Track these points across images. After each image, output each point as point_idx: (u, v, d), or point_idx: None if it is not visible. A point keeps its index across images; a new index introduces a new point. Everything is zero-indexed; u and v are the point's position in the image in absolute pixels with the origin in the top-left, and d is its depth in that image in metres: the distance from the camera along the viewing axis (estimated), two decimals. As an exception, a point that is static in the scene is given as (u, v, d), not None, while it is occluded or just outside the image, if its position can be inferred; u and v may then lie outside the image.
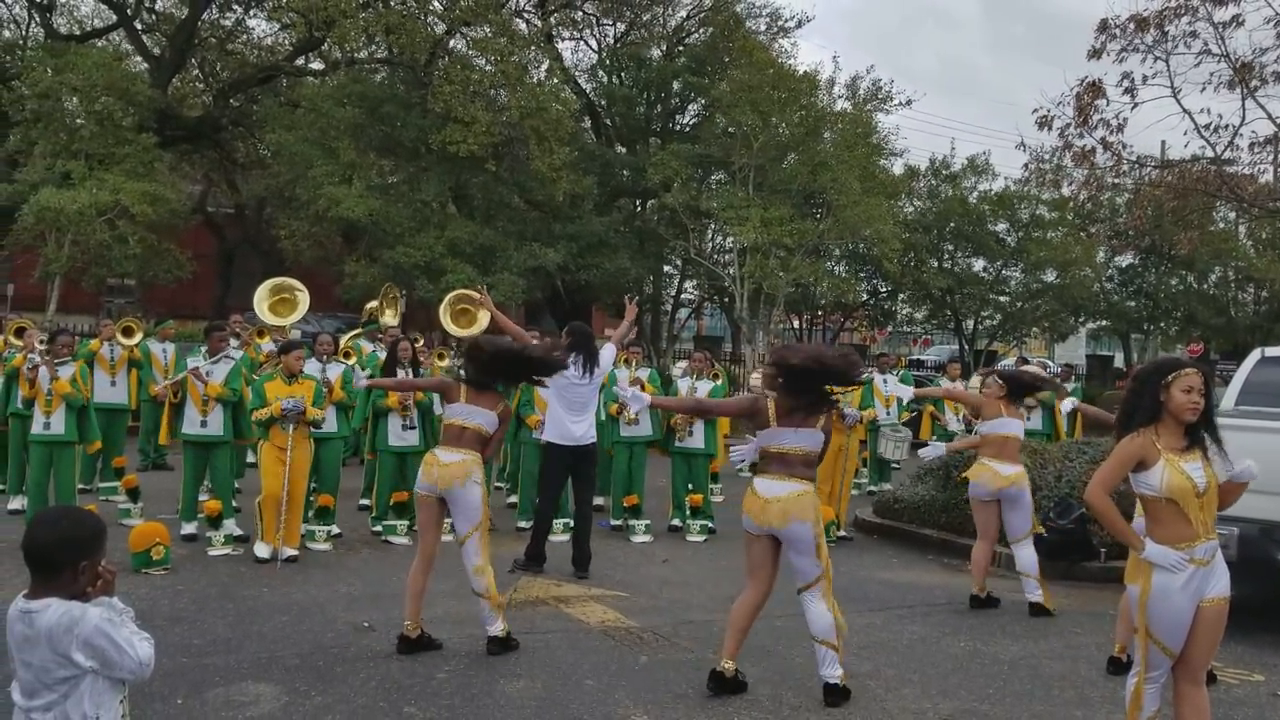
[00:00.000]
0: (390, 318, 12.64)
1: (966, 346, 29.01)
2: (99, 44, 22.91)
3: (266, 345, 11.02)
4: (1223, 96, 16.36)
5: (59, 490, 8.46)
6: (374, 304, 13.43)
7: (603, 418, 9.49)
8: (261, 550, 7.89)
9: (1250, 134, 16.55)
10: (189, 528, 8.50)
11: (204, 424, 8.47)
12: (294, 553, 7.93)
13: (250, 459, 10.73)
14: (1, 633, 2.88)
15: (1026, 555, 7.30)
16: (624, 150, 25.35)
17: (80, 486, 9.33)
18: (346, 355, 10.57)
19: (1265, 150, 16.98)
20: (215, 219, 26.12)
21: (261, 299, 10.73)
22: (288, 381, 8.09)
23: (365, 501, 9.83)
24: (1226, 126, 16.30)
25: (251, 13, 23.64)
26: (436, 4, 21.42)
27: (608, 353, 8.17)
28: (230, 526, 8.35)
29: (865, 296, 29.60)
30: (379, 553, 8.46)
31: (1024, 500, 7.30)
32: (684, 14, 26.19)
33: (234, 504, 8.72)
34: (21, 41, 22.86)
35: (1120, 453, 4.17)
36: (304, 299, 10.86)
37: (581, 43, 27.39)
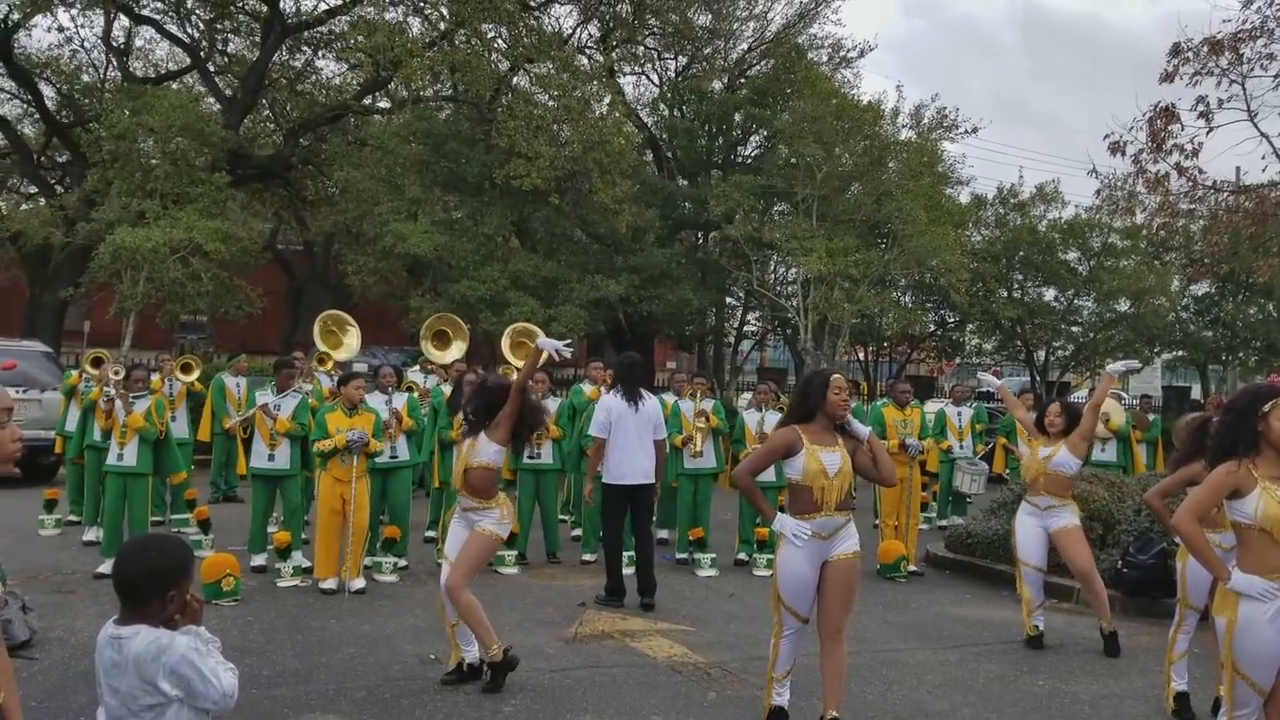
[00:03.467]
0: (455, 350, 12.59)
1: (1038, 378, 28.43)
2: (174, 86, 23.58)
3: (325, 379, 11.08)
4: (1301, 119, 15.92)
5: (132, 521, 8.57)
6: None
7: (668, 450, 9.42)
8: (329, 582, 7.91)
9: (1332, 156, 16.06)
10: (258, 559, 8.57)
11: (271, 457, 8.59)
12: (361, 585, 7.94)
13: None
14: (90, 657, 2.89)
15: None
16: (686, 183, 25.38)
17: (153, 519, 9.46)
18: (409, 389, 10.63)
19: (1347, 173, 16.48)
20: (285, 256, 26.61)
21: (318, 333, 10.84)
22: (349, 413, 8.13)
23: (431, 534, 9.84)
24: (1306, 149, 15.85)
25: (320, 54, 24.18)
26: (500, 42, 21.72)
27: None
28: (299, 558, 8.41)
29: (932, 327, 29.18)
30: (445, 585, 8.43)
31: None
32: (745, 46, 26.28)
33: (303, 536, 8.78)
34: (100, 85, 23.57)
35: (1215, 481, 4.05)
36: (353, 333, 10.85)
37: (643, 77, 27.62)
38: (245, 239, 19.23)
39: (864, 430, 5.02)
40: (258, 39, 22.74)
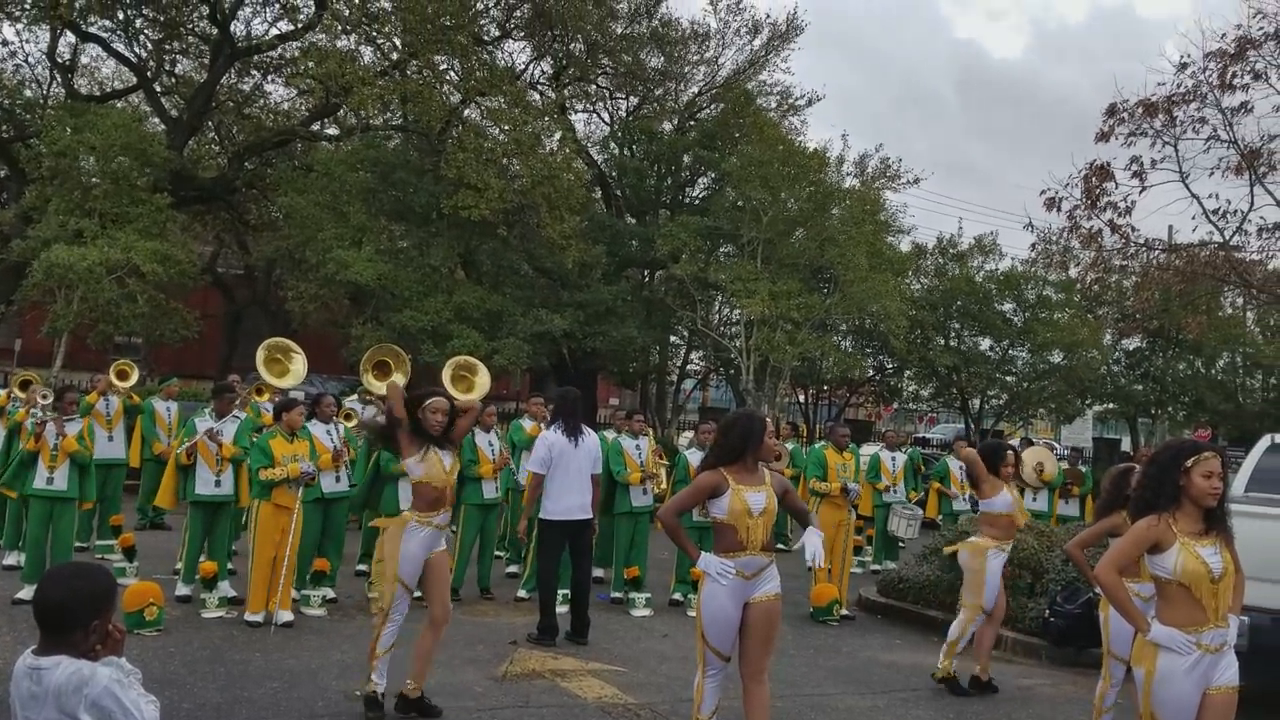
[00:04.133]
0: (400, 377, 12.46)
1: (972, 425, 28.87)
2: (119, 105, 23.27)
3: (265, 405, 10.95)
4: (1231, 182, 16.44)
5: (56, 547, 8.35)
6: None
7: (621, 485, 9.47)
8: (255, 614, 7.76)
9: (1259, 219, 16.58)
10: (184, 589, 8.38)
11: (218, 484, 8.46)
12: (289, 617, 7.80)
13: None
14: (3, 686, 2.81)
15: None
16: (633, 221, 25.57)
17: (76, 544, 9.23)
18: (347, 417, 10.54)
19: (1273, 236, 17.01)
20: (225, 279, 26.27)
21: (261, 360, 10.71)
22: (289, 439, 8.04)
23: (363, 567, 9.70)
24: (1235, 212, 16.36)
25: (270, 78, 24.03)
26: (452, 74, 21.78)
27: None
28: (225, 588, 8.25)
29: (871, 372, 29.53)
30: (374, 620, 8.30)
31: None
32: (696, 90, 26.61)
33: (229, 565, 8.62)
34: (42, 100, 23.20)
35: (1136, 534, 4.14)
36: (298, 360, 10.76)
37: (594, 115, 27.83)
38: (184, 261, 18.97)
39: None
40: (206, 61, 22.55)
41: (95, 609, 2.67)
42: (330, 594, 8.64)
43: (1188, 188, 16.39)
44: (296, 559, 7.99)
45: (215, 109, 23.52)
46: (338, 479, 8.71)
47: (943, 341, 26.94)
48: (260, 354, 10.55)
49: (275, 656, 6.94)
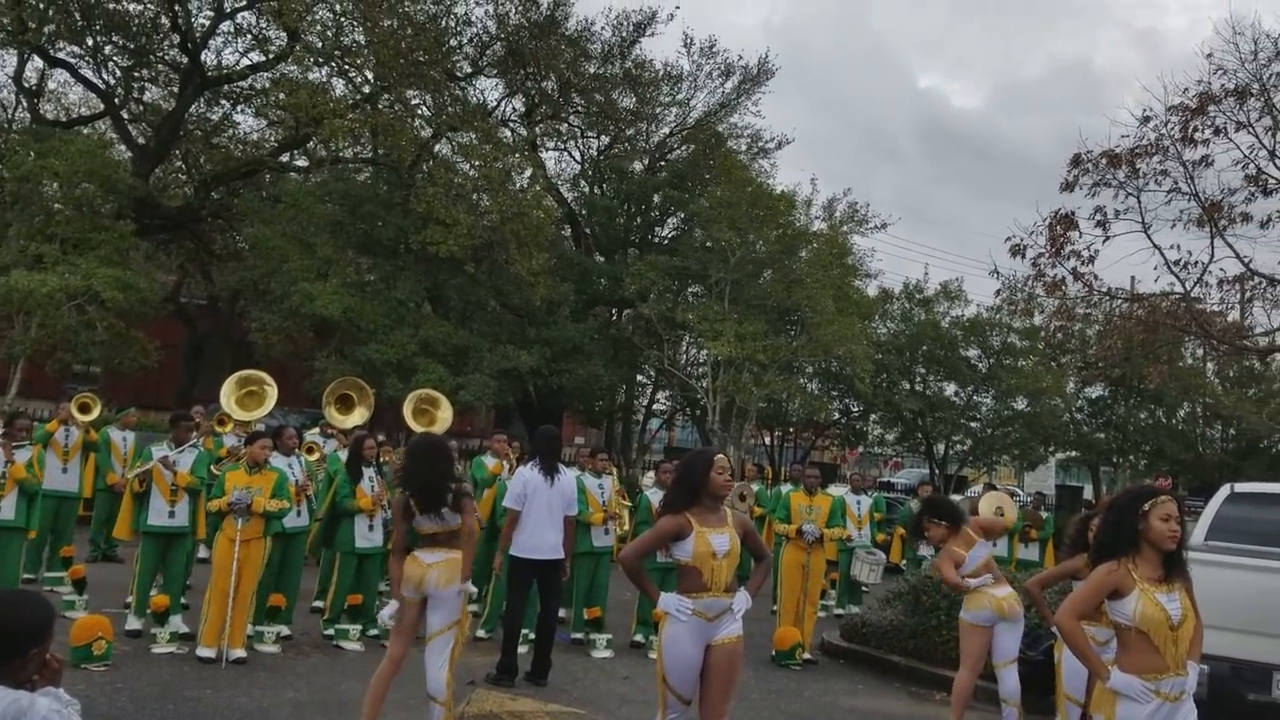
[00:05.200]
0: (358, 415, 12.40)
1: (937, 470, 29.00)
2: (85, 131, 23.06)
3: (229, 439, 10.81)
4: (1192, 234, 16.70)
5: (2, 576, 8.13)
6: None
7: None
8: (207, 650, 7.57)
9: (1219, 271, 16.84)
10: (135, 623, 8.18)
11: (172, 514, 8.28)
12: (242, 654, 7.61)
13: (202, 554, 10.43)
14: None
15: (1012, 680, 7.01)
16: (602, 259, 25.58)
17: (25, 576, 9.01)
18: (309, 450, 10.40)
19: (1233, 288, 17.28)
20: (187, 309, 25.97)
21: (229, 392, 10.59)
22: (250, 472, 7.89)
23: (319, 603, 9.52)
24: (1196, 263, 16.59)
25: (240, 108, 23.92)
26: (424, 109, 21.79)
27: None
28: (177, 623, 8.06)
29: (837, 415, 29.64)
30: (329, 658, 8.14)
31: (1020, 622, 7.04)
32: (667, 130, 26.77)
33: (183, 600, 8.43)
34: (7, 124, 22.96)
35: (1096, 580, 4.13)
36: (272, 393, 10.70)
37: (565, 153, 27.92)
38: (146, 290, 18.72)
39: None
40: (176, 89, 22.43)
41: (33, 638, 2.62)
42: (285, 631, 8.47)
43: (1150, 239, 16.66)
44: (252, 594, 7.82)
45: (183, 137, 23.36)
46: (297, 513, 8.57)
47: (908, 386, 27.12)
48: (231, 386, 10.45)
49: (227, 694, 6.76)
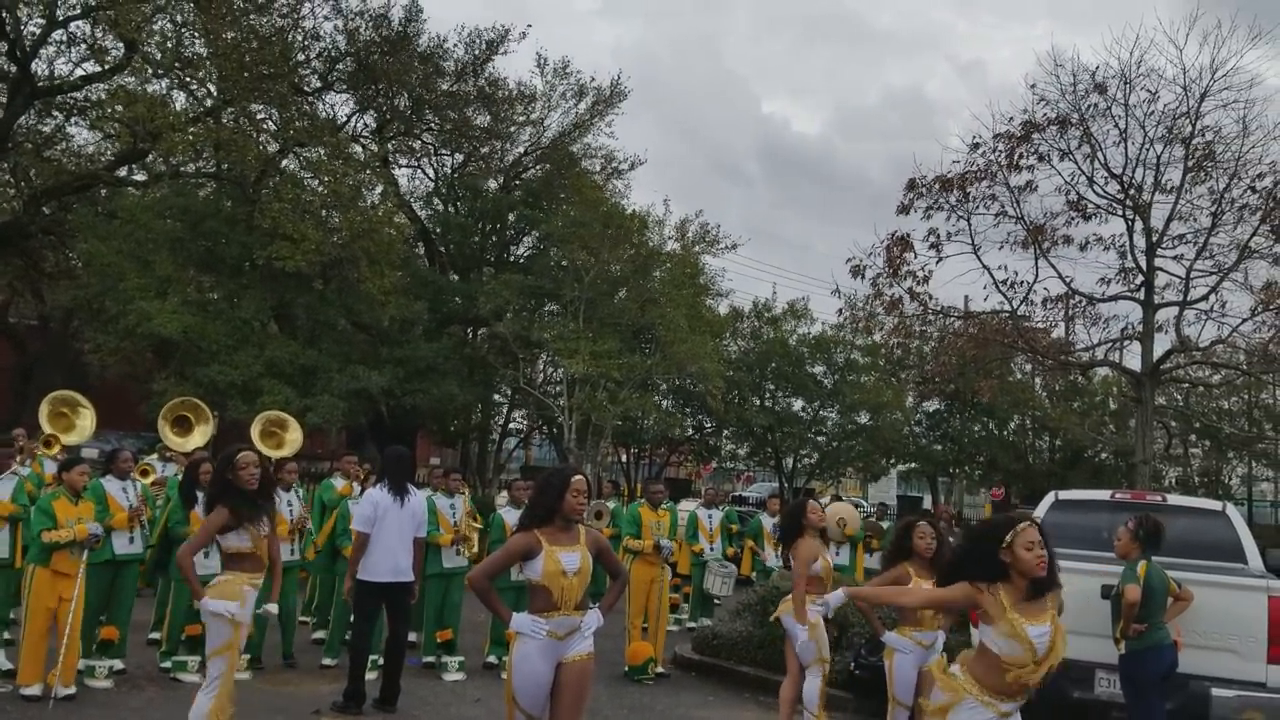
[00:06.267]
0: (197, 437, 12.01)
1: (786, 484, 29.74)
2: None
3: (49, 465, 10.31)
4: (1019, 255, 17.65)
5: None
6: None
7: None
8: (33, 688, 7.19)
9: (1043, 290, 17.82)
10: (-51, 662, 7.72)
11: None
12: (71, 691, 7.26)
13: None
14: None
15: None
16: (457, 277, 25.40)
17: None
18: (144, 473, 10.02)
19: (1056, 307, 18.30)
20: (16, 330, 24.67)
21: (43, 413, 10.13)
22: (74, 500, 7.55)
23: (155, 635, 9.16)
24: (1022, 283, 17.53)
25: (74, 120, 22.88)
26: (270, 124, 21.27)
27: None
28: (0, 660, 7.63)
29: (691, 431, 30.10)
30: (166, 691, 7.83)
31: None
32: (522, 149, 26.82)
33: (5, 635, 7.99)
34: None
35: (950, 596, 4.30)
36: (86, 417, 10.24)
37: (419, 170, 27.64)
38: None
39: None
40: (4, 99, 21.30)
41: None
42: (119, 665, 8.11)
43: (980, 259, 17.52)
44: (81, 627, 7.47)
45: (11, 149, 22.18)
46: (131, 539, 8.21)
47: (758, 402, 27.78)
48: (44, 408, 9.97)
49: (52, 734, 6.45)
